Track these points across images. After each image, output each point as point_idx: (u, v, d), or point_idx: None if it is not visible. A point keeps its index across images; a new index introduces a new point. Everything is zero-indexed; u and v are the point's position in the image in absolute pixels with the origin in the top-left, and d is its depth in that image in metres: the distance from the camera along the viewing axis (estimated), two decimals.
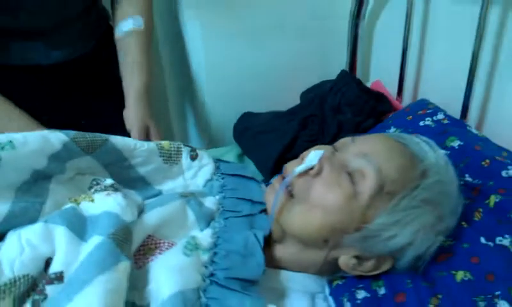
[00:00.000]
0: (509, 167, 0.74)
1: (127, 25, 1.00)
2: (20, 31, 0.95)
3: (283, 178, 0.70)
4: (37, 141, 0.68)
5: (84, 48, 1.07)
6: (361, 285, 0.69)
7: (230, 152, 1.15)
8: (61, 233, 0.61)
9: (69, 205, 0.66)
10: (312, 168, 0.69)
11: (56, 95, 1.06)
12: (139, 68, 0.97)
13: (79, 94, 1.10)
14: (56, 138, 0.70)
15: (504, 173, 0.74)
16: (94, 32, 1.09)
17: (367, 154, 0.67)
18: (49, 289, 0.56)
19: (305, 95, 1.16)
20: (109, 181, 0.73)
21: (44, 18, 0.96)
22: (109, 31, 1.08)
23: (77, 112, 1.06)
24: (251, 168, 0.92)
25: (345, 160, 0.69)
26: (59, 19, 0.99)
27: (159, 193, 0.81)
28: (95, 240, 0.59)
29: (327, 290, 0.73)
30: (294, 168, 0.69)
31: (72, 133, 0.72)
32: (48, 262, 0.59)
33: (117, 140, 0.77)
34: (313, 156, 0.70)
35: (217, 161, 0.88)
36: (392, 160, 0.66)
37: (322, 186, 0.67)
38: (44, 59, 1.01)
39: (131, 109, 0.95)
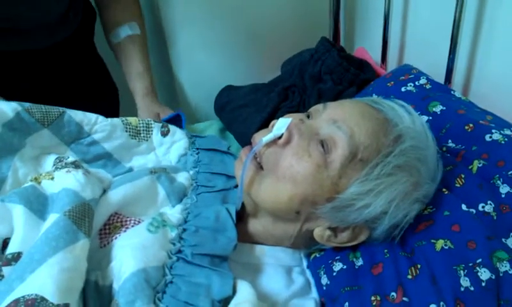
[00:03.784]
0: (494, 131, 0.71)
1: (125, 32, 1.06)
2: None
3: (252, 148, 0.66)
4: None
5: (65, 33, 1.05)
6: (338, 257, 0.67)
7: (212, 126, 1.12)
8: (18, 213, 0.58)
9: (29, 184, 0.63)
10: (280, 137, 0.65)
11: (39, 81, 1.04)
12: (141, 75, 1.07)
13: (63, 79, 1.10)
14: (8, 106, 0.68)
15: (487, 137, 0.71)
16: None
17: (337, 120, 0.64)
18: (6, 270, 0.53)
19: (286, 65, 1.12)
20: (71, 158, 0.70)
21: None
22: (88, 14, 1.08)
23: (63, 97, 1.06)
24: (228, 144, 0.90)
25: (316, 128, 0.65)
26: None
27: (130, 170, 0.78)
28: (51, 218, 0.56)
29: (304, 263, 0.71)
30: (262, 138, 0.65)
31: (27, 104, 0.70)
32: (6, 243, 0.57)
33: (76, 113, 0.74)
34: (280, 124, 0.66)
35: (192, 136, 0.85)
36: (364, 126, 0.63)
37: (291, 156, 0.63)
38: (25, 46, 0.98)
39: (141, 108, 1.05)
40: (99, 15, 1.10)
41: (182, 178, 0.75)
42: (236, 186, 0.75)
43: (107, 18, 1.08)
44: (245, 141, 0.98)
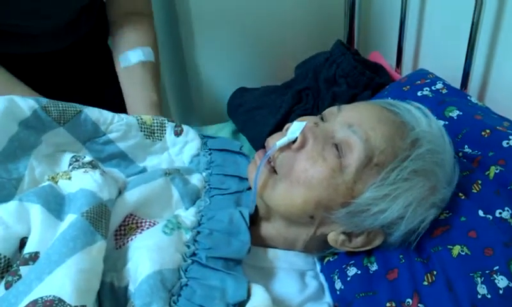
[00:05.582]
0: (511, 137, 0.71)
1: (137, 57, 0.92)
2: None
3: (266, 152, 0.66)
4: (4, 101, 0.66)
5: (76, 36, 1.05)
6: (352, 261, 0.66)
7: (225, 129, 1.12)
8: (36, 212, 0.58)
9: (46, 183, 0.64)
10: (294, 141, 0.65)
11: (54, 83, 1.04)
12: (156, 106, 0.91)
13: (76, 81, 1.09)
14: (25, 103, 0.68)
15: (504, 143, 0.70)
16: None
17: (353, 124, 0.63)
18: (23, 270, 0.54)
19: (299, 68, 1.11)
20: (87, 158, 0.70)
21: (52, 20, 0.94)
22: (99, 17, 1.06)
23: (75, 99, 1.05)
24: (240, 144, 0.89)
25: (331, 131, 0.65)
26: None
27: (143, 170, 0.78)
28: (69, 219, 0.57)
29: (318, 267, 0.71)
30: (276, 141, 0.65)
31: (44, 101, 0.70)
32: (23, 242, 0.57)
33: (93, 112, 0.74)
34: (295, 128, 0.65)
35: (204, 137, 0.85)
36: (380, 130, 0.62)
37: (305, 160, 0.63)
38: (33, 49, 0.98)
39: None
40: (111, 35, 1.00)
41: (195, 179, 0.75)
42: (249, 188, 0.74)
43: (118, 38, 0.97)
44: (258, 143, 0.98)
